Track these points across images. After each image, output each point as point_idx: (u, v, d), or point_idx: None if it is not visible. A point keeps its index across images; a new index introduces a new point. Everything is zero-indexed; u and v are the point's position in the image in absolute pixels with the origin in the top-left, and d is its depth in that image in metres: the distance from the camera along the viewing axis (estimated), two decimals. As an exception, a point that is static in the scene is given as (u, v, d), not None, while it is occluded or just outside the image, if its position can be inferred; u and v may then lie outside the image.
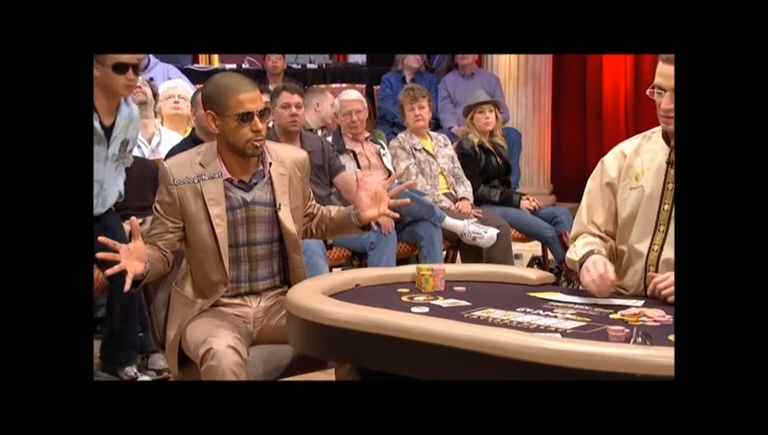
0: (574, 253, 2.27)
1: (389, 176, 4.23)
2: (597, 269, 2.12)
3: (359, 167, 4.15)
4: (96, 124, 2.89)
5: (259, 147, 2.30)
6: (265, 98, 3.59)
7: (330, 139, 4.28)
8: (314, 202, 2.57)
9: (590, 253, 2.19)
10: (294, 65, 6.31)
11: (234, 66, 6.35)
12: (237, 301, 2.40)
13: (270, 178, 2.38)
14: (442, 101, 6.09)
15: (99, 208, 3.02)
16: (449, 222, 4.04)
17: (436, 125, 5.70)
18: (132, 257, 2.17)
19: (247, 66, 6.37)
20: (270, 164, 2.38)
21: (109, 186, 3.07)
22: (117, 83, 2.87)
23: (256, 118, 2.25)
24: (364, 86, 5.84)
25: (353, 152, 4.21)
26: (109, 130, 2.97)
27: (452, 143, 4.61)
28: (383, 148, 4.38)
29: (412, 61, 5.97)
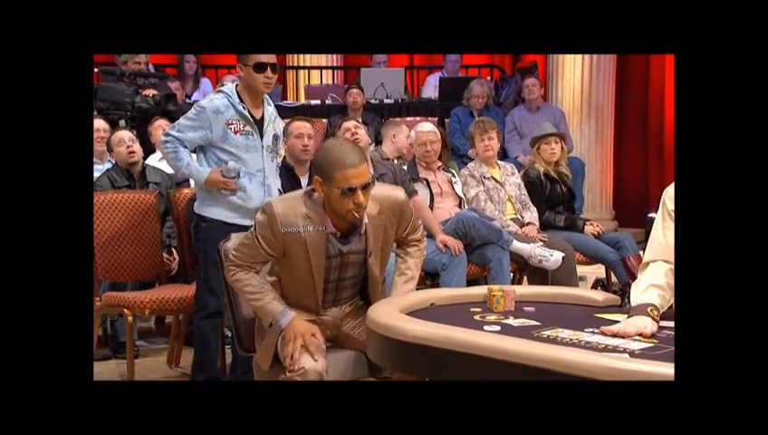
0: (636, 290, 2.11)
1: (460, 203, 4.26)
2: (635, 326, 1.97)
3: (431, 194, 4.16)
4: (247, 114, 3.10)
5: (358, 216, 2.32)
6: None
7: (405, 167, 4.31)
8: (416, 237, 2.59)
9: (644, 308, 2.01)
10: (373, 100, 6.39)
11: (318, 102, 6.47)
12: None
13: (366, 232, 2.42)
14: (509, 132, 6.06)
15: (266, 197, 3.11)
16: (516, 245, 3.99)
17: (503, 155, 5.66)
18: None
19: (330, 102, 6.48)
20: (368, 217, 2.41)
21: (270, 175, 3.20)
22: (257, 81, 3.07)
23: (359, 192, 2.26)
24: (436, 119, 5.86)
25: (426, 180, 4.23)
26: (260, 123, 3.16)
27: (519, 172, 4.58)
28: (454, 176, 4.38)
29: (479, 97, 5.99)
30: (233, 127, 3.08)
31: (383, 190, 2.49)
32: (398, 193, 2.50)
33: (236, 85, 3.18)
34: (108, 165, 4.62)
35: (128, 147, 4.07)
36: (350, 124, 4.01)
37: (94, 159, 4.64)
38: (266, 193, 3.15)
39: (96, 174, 4.26)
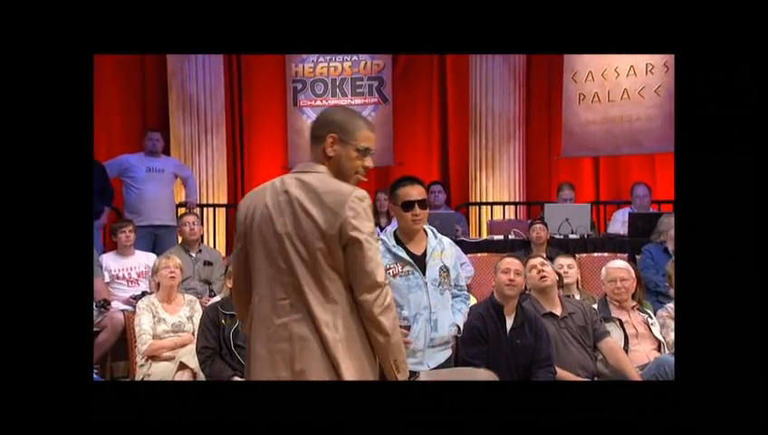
0: None
1: (659, 346, 3.97)
2: None
3: (626, 335, 3.92)
4: (404, 255, 3.11)
5: (362, 179, 2.22)
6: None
7: (595, 306, 4.13)
8: None
9: None
10: (557, 236, 6.30)
11: (501, 237, 6.48)
12: None
13: None
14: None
15: (433, 333, 3.08)
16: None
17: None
18: None
19: (513, 237, 6.47)
20: None
21: (439, 309, 3.11)
22: (406, 220, 3.12)
23: (370, 157, 2.21)
24: (626, 256, 5.62)
25: (620, 320, 4.01)
26: (421, 259, 3.14)
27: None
28: (651, 317, 4.12)
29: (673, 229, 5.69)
30: (391, 271, 3.07)
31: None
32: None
33: (396, 228, 3.22)
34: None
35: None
36: (536, 262, 3.96)
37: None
38: (432, 329, 3.10)
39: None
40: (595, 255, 5.76)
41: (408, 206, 3.09)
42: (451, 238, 5.89)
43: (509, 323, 3.53)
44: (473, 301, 4.13)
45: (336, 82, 8.08)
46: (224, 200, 7.62)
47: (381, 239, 3.15)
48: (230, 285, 4.22)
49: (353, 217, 2.05)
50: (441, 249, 3.21)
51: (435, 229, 3.31)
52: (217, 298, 4.68)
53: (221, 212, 7.56)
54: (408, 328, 2.97)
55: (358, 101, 8.12)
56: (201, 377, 3.86)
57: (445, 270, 3.18)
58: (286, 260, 2.07)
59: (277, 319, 2.06)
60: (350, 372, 2.02)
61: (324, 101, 8.08)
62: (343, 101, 8.12)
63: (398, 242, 3.15)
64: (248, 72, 8.13)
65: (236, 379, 3.79)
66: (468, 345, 3.47)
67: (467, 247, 5.95)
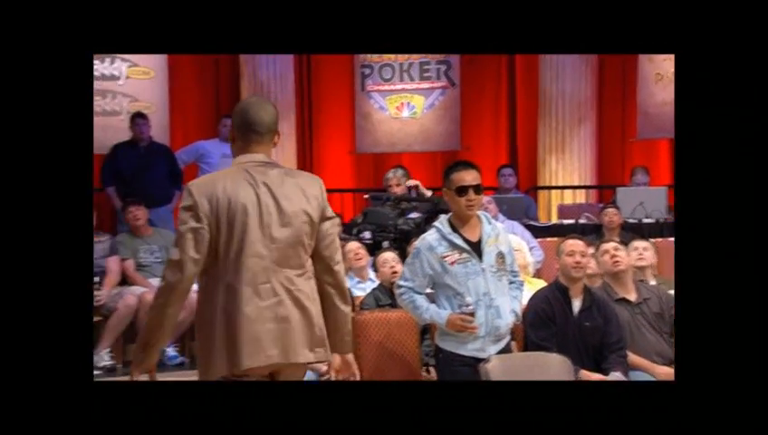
0: None
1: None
2: None
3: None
4: (460, 242, 3.06)
5: None
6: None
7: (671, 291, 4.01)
8: None
9: None
10: (631, 220, 6.14)
11: (571, 221, 6.36)
12: None
13: None
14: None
15: (496, 320, 3.05)
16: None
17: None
18: None
19: (584, 221, 6.34)
20: None
21: (498, 295, 3.08)
22: (460, 205, 3.07)
23: None
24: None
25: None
26: (477, 245, 3.10)
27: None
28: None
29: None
30: (448, 259, 3.04)
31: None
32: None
33: (450, 215, 3.18)
34: (369, 283, 4.91)
35: (391, 267, 4.29)
36: (609, 246, 3.87)
37: (356, 278, 4.97)
38: (495, 316, 3.06)
39: (359, 293, 4.55)
40: (671, 239, 5.58)
41: (463, 191, 3.05)
42: (520, 222, 5.87)
43: (576, 305, 3.47)
44: (538, 285, 4.07)
45: (404, 67, 8.06)
46: (293, 185, 7.72)
47: (436, 227, 3.12)
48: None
49: (325, 200, 2.42)
50: (496, 235, 3.16)
51: (488, 214, 3.27)
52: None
53: (321, 184, 7.65)
54: (473, 314, 2.98)
55: (425, 85, 8.08)
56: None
57: (501, 256, 3.13)
58: (271, 245, 2.29)
59: (261, 302, 2.25)
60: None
61: (392, 86, 8.08)
62: (411, 86, 8.10)
63: (453, 229, 3.11)
64: (317, 59, 8.20)
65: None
66: (537, 328, 3.42)
67: (537, 232, 5.87)
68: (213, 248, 2.26)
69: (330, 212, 2.43)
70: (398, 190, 5.53)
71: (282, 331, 2.26)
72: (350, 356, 2.49)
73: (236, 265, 2.26)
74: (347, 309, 2.41)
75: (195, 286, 2.37)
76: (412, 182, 5.51)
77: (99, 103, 7.03)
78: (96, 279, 5.03)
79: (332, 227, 2.42)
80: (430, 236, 3.11)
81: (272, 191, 2.31)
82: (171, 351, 4.99)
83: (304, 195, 2.36)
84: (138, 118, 6.16)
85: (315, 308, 2.34)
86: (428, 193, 5.47)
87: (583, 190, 7.67)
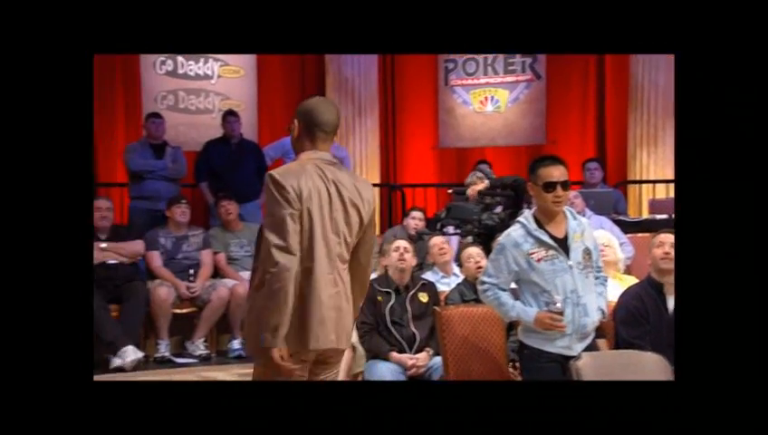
0: None
1: None
2: None
3: None
4: (547, 239, 3.00)
5: None
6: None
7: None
8: None
9: None
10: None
11: (664, 216, 6.15)
12: None
13: None
14: None
15: (584, 318, 2.99)
16: None
17: None
18: None
19: (676, 217, 6.11)
20: None
21: (585, 293, 3.02)
22: (547, 201, 3.01)
23: None
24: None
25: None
26: (563, 241, 3.04)
27: None
28: None
29: None
30: (534, 256, 2.98)
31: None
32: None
33: (534, 210, 3.12)
34: (454, 278, 4.91)
35: (476, 262, 4.28)
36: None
37: (440, 273, 4.98)
38: (583, 314, 2.98)
39: (443, 287, 4.55)
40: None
41: (550, 187, 2.99)
42: (608, 217, 5.71)
43: (670, 302, 3.34)
44: (628, 282, 3.96)
45: (488, 61, 7.99)
46: (376, 180, 7.79)
47: (520, 222, 3.07)
48: (384, 263, 4.34)
49: (373, 205, 2.64)
50: (582, 230, 3.08)
51: (573, 210, 3.18)
52: (373, 275, 4.81)
53: (374, 191, 7.72)
54: (561, 313, 2.93)
55: (510, 78, 7.98)
56: (360, 351, 3.99)
57: (587, 252, 3.05)
58: (336, 239, 2.50)
59: (329, 290, 2.48)
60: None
61: (476, 80, 8.02)
62: (495, 80, 8.01)
63: (539, 225, 3.05)
64: (400, 55, 8.23)
65: (394, 354, 3.90)
66: (629, 326, 3.32)
67: (627, 227, 5.70)
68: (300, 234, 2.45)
69: (373, 219, 2.63)
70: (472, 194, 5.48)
71: (339, 318, 2.49)
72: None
73: (310, 253, 2.44)
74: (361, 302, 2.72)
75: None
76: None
77: (192, 102, 7.31)
78: (191, 271, 5.24)
79: (373, 234, 2.64)
80: (515, 232, 3.06)
81: (339, 189, 2.50)
82: (236, 344, 5.16)
83: (360, 197, 2.55)
84: (229, 115, 6.33)
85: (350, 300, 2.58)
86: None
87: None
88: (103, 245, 5.06)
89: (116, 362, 4.68)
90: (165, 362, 4.97)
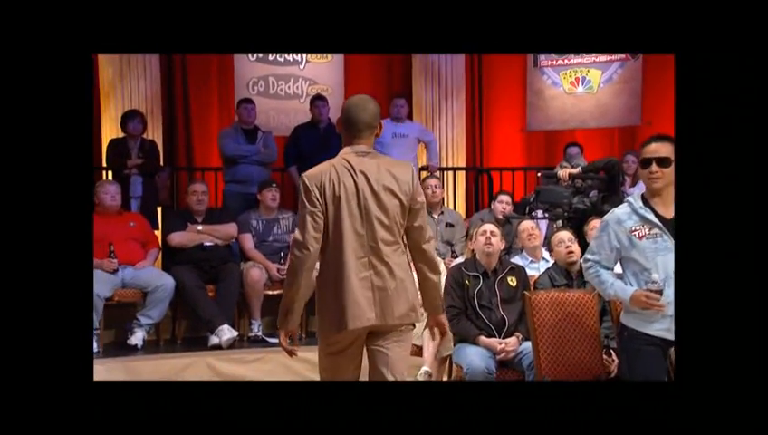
0: None
1: None
2: None
3: None
4: (652, 217, 2.93)
5: None
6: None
7: None
8: None
9: None
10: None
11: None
12: None
13: None
14: None
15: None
16: None
17: None
18: None
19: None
20: None
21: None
22: (644, 178, 2.99)
23: None
24: None
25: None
26: (670, 221, 2.89)
27: None
28: None
29: None
30: (636, 233, 2.94)
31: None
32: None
33: (645, 190, 3.06)
34: (543, 263, 4.82)
35: (567, 247, 4.19)
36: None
37: (529, 257, 4.89)
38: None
39: (532, 272, 4.48)
40: None
41: (647, 163, 2.93)
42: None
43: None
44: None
45: (579, 40, 7.75)
46: (463, 163, 7.73)
47: (627, 201, 3.04)
48: (471, 247, 4.30)
49: (418, 185, 2.78)
50: None
51: None
52: (460, 259, 4.79)
53: (461, 175, 7.68)
54: (660, 292, 2.84)
55: (603, 58, 7.73)
56: (449, 334, 3.97)
57: None
58: (369, 224, 2.68)
59: (360, 273, 2.66)
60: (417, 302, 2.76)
61: (567, 61, 7.81)
62: (587, 60, 7.78)
63: (646, 203, 2.99)
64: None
65: (483, 338, 3.88)
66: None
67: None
68: (325, 227, 2.68)
69: (420, 197, 2.77)
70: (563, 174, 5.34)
71: (380, 298, 2.67)
72: (443, 316, 2.93)
73: (341, 242, 2.66)
74: (436, 278, 2.81)
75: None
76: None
77: (282, 87, 7.44)
78: (282, 254, 5.36)
79: (421, 210, 2.77)
80: (620, 209, 3.06)
81: (367, 178, 2.69)
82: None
83: (396, 181, 2.72)
84: (317, 100, 6.42)
85: (408, 278, 2.75)
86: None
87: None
88: (199, 227, 5.25)
89: (213, 340, 4.86)
90: (258, 342, 5.12)
